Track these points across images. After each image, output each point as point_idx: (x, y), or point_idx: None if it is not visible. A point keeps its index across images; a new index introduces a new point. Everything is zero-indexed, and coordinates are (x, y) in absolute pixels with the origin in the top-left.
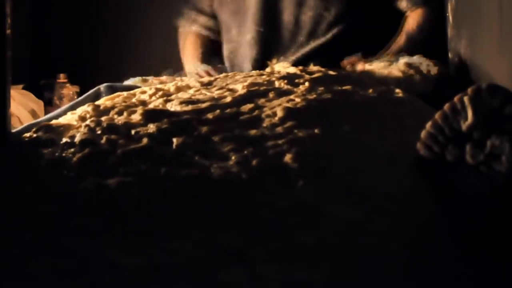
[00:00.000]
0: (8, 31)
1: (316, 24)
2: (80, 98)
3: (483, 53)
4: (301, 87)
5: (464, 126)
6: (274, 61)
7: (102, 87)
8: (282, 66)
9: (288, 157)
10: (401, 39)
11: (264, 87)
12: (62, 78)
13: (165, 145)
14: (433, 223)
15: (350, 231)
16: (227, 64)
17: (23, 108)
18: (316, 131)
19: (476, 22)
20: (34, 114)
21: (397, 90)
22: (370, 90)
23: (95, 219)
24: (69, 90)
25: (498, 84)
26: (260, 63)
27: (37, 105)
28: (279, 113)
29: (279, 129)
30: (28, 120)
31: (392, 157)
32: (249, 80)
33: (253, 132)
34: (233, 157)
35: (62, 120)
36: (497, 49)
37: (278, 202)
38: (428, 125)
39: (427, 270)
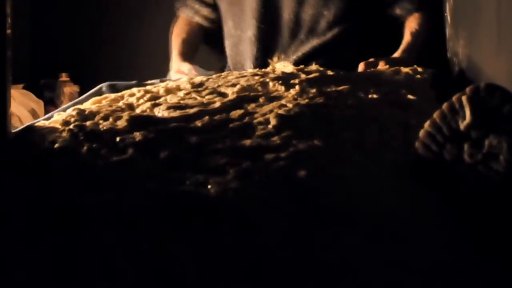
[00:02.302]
0: (8, 31)
1: (316, 22)
2: (82, 97)
3: (481, 52)
4: (292, 91)
5: (462, 125)
6: (275, 59)
7: (104, 86)
8: (282, 65)
9: (302, 173)
10: (407, 37)
11: (254, 93)
12: (64, 77)
13: (152, 157)
14: (438, 228)
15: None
16: (229, 61)
17: (23, 107)
18: (316, 142)
19: (474, 21)
20: (34, 113)
21: (404, 91)
22: (371, 91)
23: (67, 243)
24: (71, 88)
25: (496, 84)
26: (261, 61)
27: (37, 104)
28: (273, 121)
29: (276, 140)
30: (28, 120)
31: (396, 164)
32: (242, 81)
33: (247, 142)
34: (230, 171)
35: (48, 121)
36: (495, 48)
37: (295, 230)
38: (427, 124)
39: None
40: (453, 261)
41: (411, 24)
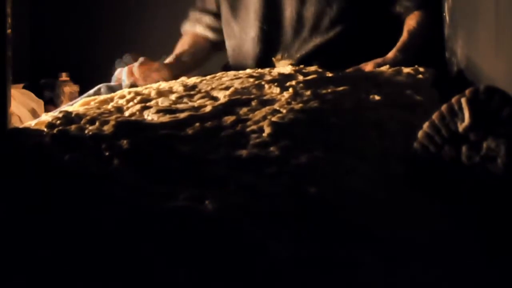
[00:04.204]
0: (9, 31)
1: (319, 20)
2: (79, 98)
3: (479, 52)
4: (285, 94)
5: (461, 127)
6: (279, 56)
7: (102, 87)
8: (285, 64)
9: (312, 189)
10: (404, 36)
11: (246, 96)
12: (64, 76)
13: (139, 168)
14: (453, 241)
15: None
16: (231, 61)
17: (23, 107)
18: (316, 153)
19: (473, 21)
20: (34, 113)
21: (408, 92)
22: (373, 91)
23: (47, 268)
24: (71, 88)
25: (496, 87)
26: (264, 61)
27: (38, 104)
28: (267, 129)
29: (274, 150)
30: (28, 119)
31: (403, 173)
32: (236, 84)
33: (243, 152)
34: (230, 185)
35: (36, 122)
36: (493, 48)
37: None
38: (425, 125)
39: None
40: (472, 277)
41: (410, 22)
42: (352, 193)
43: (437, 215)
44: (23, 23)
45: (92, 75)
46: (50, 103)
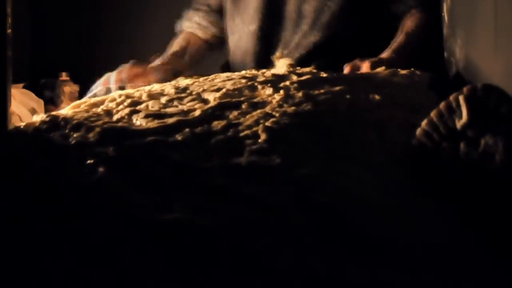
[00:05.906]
0: (9, 31)
1: (320, 14)
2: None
3: (478, 52)
4: (276, 96)
5: (459, 124)
6: (279, 54)
7: (102, 88)
8: (285, 62)
9: (323, 199)
10: (400, 37)
11: (236, 98)
12: (64, 76)
13: (127, 177)
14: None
15: None
16: (230, 58)
17: (23, 106)
18: (319, 160)
19: (472, 21)
20: (34, 112)
21: (407, 92)
22: (371, 92)
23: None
24: (71, 88)
25: (493, 84)
26: (263, 57)
27: (38, 104)
28: (262, 135)
29: (274, 158)
30: (28, 119)
31: (407, 178)
32: (228, 85)
33: (242, 161)
34: (231, 195)
35: (24, 124)
36: (492, 48)
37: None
38: (424, 122)
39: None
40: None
41: (408, 23)
42: (360, 202)
43: (440, 218)
44: (23, 23)
45: (92, 75)
46: (50, 103)
